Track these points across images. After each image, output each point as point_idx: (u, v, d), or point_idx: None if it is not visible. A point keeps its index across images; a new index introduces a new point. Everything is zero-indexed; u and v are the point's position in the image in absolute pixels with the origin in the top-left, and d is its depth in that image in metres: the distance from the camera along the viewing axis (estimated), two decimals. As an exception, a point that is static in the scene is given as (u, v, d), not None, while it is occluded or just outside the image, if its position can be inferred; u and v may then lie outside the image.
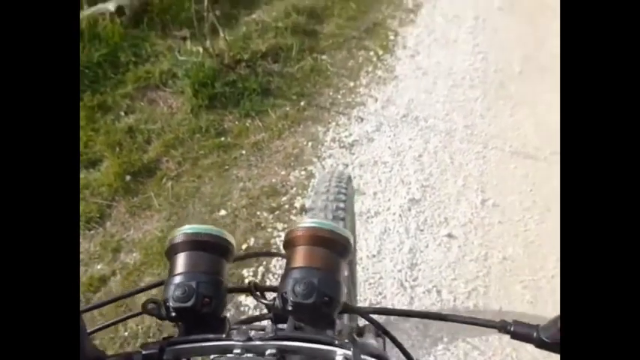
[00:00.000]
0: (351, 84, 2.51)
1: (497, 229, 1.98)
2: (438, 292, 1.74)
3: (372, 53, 2.75)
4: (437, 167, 2.17)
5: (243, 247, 1.74)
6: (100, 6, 2.64)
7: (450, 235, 1.91)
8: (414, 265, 1.80)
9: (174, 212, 1.83)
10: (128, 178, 1.94)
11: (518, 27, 3.33)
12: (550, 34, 3.34)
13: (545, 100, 2.69)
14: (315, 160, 2.08)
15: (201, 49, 2.41)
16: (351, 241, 0.50)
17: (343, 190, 0.95)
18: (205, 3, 2.55)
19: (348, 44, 2.76)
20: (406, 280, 1.75)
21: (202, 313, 0.46)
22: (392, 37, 2.92)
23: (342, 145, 2.17)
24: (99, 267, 1.65)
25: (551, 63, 3.02)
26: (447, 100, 2.56)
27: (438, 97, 2.56)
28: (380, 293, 1.71)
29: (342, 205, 0.91)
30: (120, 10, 2.63)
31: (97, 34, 2.49)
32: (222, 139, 2.13)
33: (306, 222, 0.49)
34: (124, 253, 1.70)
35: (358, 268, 1.75)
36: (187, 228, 0.49)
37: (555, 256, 1.90)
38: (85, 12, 2.58)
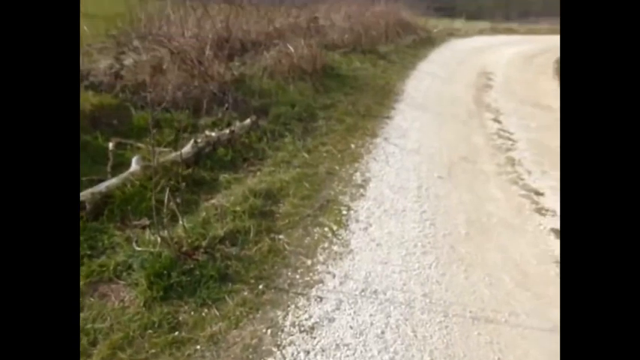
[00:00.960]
0: (309, 262, 2.57)
1: (474, 411, 1.85)
2: None
3: (327, 229, 2.90)
4: (401, 343, 2.11)
5: None
6: (62, 202, 2.74)
7: None
8: None
9: None
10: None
11: (457, 193, 3.68)
12: (486, 196, 3.69)
13: (493, 259, 2.83)
14: (274, 349, 1.98)
15: (159, 239, 2.46)
16: None
17: None
18: (167, 192, 2.71)
19: (303, 222, 2.91)
20: None
21: None
22: (345, 212, 3.12)
23: (302, 329, 2.10)
24: None
25: (492, 223, 3.26)
26: (402, 269, 2.63)
27: (393, 267, 2.63)
28: None
29: None
30: (81, 204, 2.72)
31: (54, 231, 2.51)
32: (176, 333, 2.02)
33: None
34: None
35: None
36: None
37: None
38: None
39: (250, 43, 7.24)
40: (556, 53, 13.28)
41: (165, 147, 3.77)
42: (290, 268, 2.50)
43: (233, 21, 7.36)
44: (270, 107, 4.74)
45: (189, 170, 3.42)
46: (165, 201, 2.66)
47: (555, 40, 18.07)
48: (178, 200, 2.86)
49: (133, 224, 2.76)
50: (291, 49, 6.19)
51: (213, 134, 3.92)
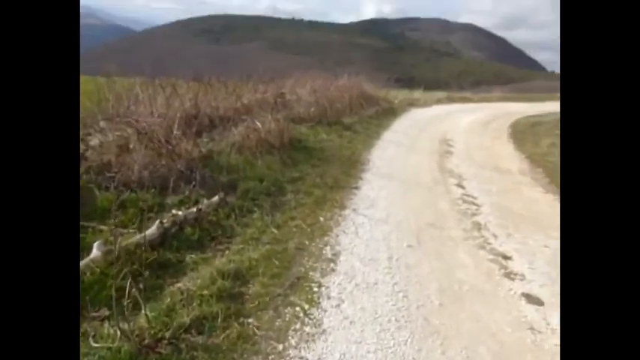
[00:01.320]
0: (280, 347, 2.45)
1: None
2: None
3: (298, 309, 2.81)
4: None
5: None
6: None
7: None
8: None
9: None
10: None
11: (428, 261, 3.69)
12: (456, 263, 3.71)
13: (468, 330, 2.79)
14: None
15: (118, 332, 2.31)
16: None
17: None
18: (129, 279, 2.60)
19: (274, 303, 2.82)
20: None
21: None
22: (316, 289, 3.05)
23: None
24: None
25: (464, 291, 3.25)
26: (377, 347, 2.54)
27: (368, 346, 2.54)
28: None
29: None
30: (35, 298, 2.56)
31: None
32: None
33: None
34: None
35: None
36: None
37: None
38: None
39: (219, 119, 7.42)
40: (508, 119, 14.22)
41: (129, 229, 3.67)
42: (260, 355, 2.37)
43: (202, 98, 7.59)
44: (239, 183, 4.75)
45: (155, 253, 3.31)
46: (127, 288, 2.54)
47: (506, 106, 19.43)
48: (141, 286, 2.74)
49: (92, 316, 2.59)
50: (259, 124, 6.37)
51: (179, 213, 3.86)
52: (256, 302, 2.81)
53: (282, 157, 5.85)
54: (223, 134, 6.52)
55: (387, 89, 18.03)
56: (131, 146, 4.92)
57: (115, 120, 5.19)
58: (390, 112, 13.11)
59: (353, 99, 11.71)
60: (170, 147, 4.91)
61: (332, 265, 3.42)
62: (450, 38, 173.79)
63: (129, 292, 2.53)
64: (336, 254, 3.61)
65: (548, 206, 5.66)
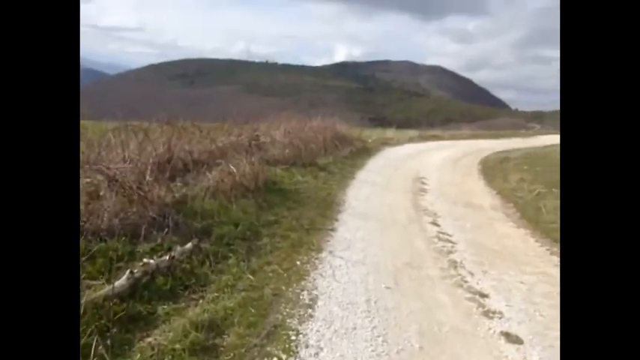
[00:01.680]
0: (256, 403, 2.34)
1: None
2: None
3: (275, 360, 2.71)
4: None
5: None
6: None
7: None
8: None
9: None
10: None
11: (406, 302, 3.66)
12: (434, 303, 3.70)
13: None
14: None
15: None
16: None
17: None
18: (95, 336, 2.47)
19: (250, 354, 2.71)
20: None
21: None
22: (294, 337, 2.96)
23: None
24: None
25: (444, 333, 3.22)
26: (358, 398, 2.46)
27: (349, 397, 2.46)
28: None
29: None
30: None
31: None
32: None
33: None
34: None
35: None
36: None
37: None
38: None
39: (193, 163, 7.36)
40: (478, 156, 14.70)
41: (98, 280, 3.52)
42: (236, 414, 2.26)
43: (175, 142, 7.55)
44: (213, 228, 4.67)
45: (124, 305, 3.16)
46: (93, 346, 2.41)
47: (475, 143, 20.13)
48: (109, 343, 2.60)
49: (54, 379, 2.42)
50: (233, 168, 6.35)
51: (151, 262, 3.73)
52: (231, 354, 2.70)
53: (258, 201, 5.81)
54: (197, 178, 6.46)
55: (360, 128, 18.43)
56: (101, 193, 4.80)
57: (85, 167, 5.08)
58: (365, 152, 13.34)
59: (327, 140, 11.89)
60: (142, 193, 4.81)
61: (310, 310, 3.35)
62: (418, 79, 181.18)
63: (95, 350, 2.40)
64: (314, 299, 3.54)
65: (520, 241, 5.77)
